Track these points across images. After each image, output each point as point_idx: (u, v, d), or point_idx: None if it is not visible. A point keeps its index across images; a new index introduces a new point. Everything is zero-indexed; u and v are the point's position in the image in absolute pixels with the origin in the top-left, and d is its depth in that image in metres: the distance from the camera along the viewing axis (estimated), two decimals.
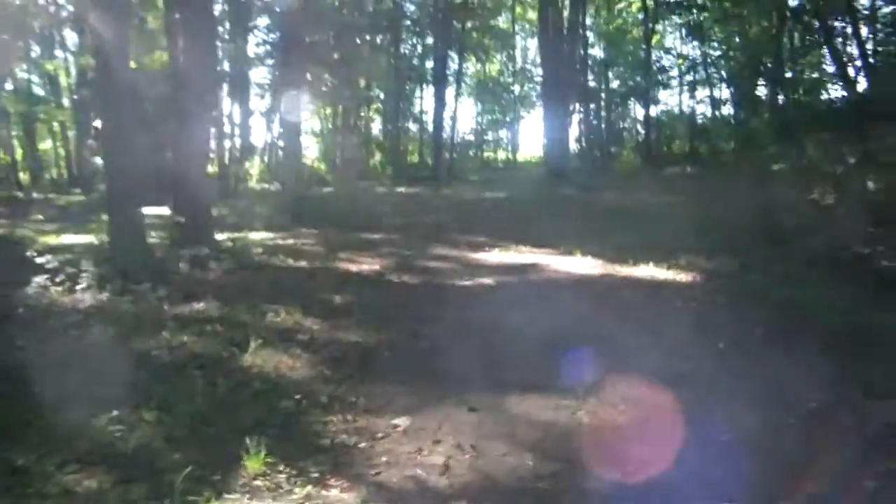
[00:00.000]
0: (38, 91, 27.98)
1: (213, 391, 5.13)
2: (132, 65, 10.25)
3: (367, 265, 10.39)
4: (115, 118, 8.88)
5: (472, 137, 43.71)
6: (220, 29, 27.75)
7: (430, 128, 34.41)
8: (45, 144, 33.74)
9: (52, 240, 13.67)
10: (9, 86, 25.63)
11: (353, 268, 10.19)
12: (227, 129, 32.16)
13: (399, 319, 7.26)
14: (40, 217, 18.60)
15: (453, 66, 34.77)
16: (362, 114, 35.49)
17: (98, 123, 18.07)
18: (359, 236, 13.41)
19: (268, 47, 25.29)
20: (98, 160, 20.18)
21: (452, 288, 9.00)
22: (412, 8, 34.70)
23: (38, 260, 9.18)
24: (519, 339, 6.45)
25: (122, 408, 4.68)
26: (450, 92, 33.65)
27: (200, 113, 10.56)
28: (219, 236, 11.95)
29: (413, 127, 38.74)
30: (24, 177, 33.01)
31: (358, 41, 29.41)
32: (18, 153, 35.26)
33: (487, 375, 5.45)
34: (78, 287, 8.58)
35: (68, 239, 12.91)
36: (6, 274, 9.36)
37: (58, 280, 8.79)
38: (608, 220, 14.57)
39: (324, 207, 18.14)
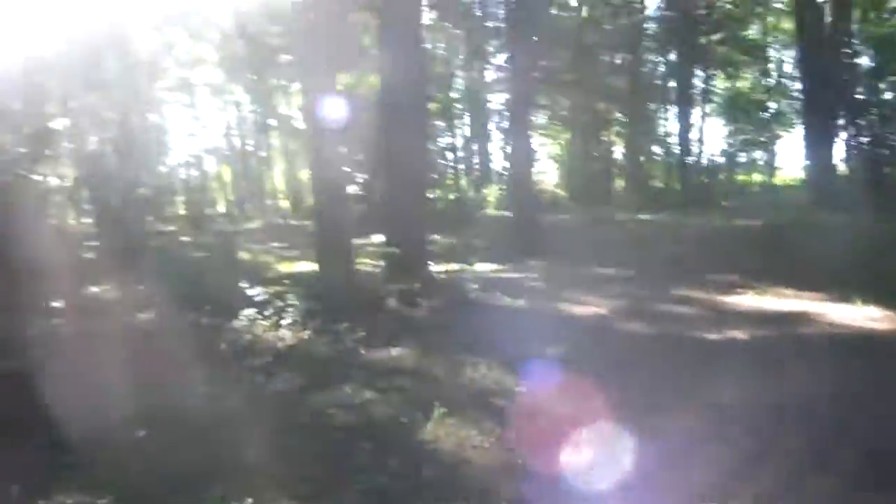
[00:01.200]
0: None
1: (374, 478, 4.06)
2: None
3: (594, 307, 8.95)
4: (323, 146, 8.46)
5: (722, 160, 40.04)
6: (458, 56, 28.20)
7: (676, 150, 31.89)
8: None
9: (286, 267, 13.95)
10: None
11: (577, 310, 8.82)
12: (463, 154, 32.49)
13: (619, 386, 5.74)
14: (286, 244, 19.51)
15: (699, 83, 32.01)
16: (602, 137, 33.91)
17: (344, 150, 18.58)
18: (589, 270, 11.97)
19: (503, 73, 24.85)
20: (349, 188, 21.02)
21: (693, 343, 7.24)
22: (652, 25, 32.55)
23: (249, 292, 8.99)
24: (804, 437, 4.55)
25: (256, 492, 3.79)
26: (696, 111, 30.95)
27: (413, 139, 9.90)
28: (436, 268, 11.22)
29: (657, 150, 36.27)
30: (285, 204, 35.99)
31: (596, 61, 28.01)
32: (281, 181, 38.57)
33: None
34: (283, 322, 8.19)
35: (301, 267, 13.00)
36: (226, 304, 9.32)
37: (266, 314, 8.51)
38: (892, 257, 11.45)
39: (556, 236, 16.92)
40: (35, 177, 19.26)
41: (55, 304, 11.78)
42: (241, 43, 25.62)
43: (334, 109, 8.43)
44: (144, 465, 4.19)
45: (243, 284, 9.27)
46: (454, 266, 11.78)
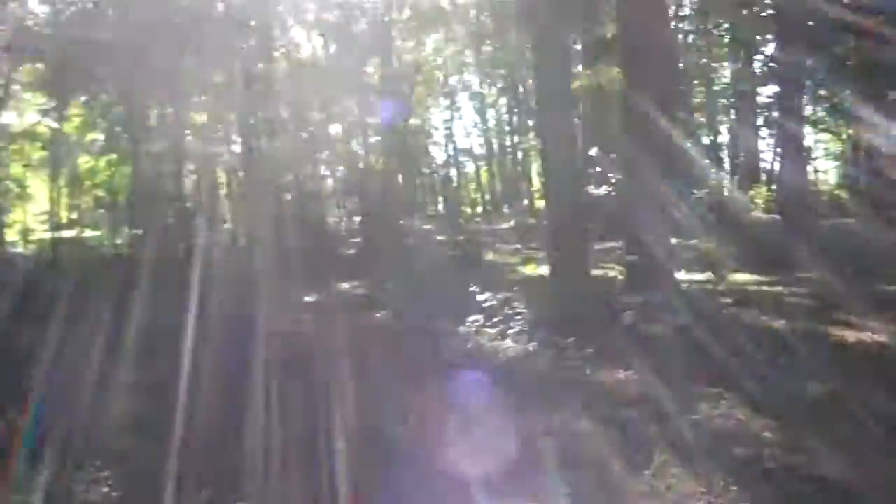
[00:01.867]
0: None
1: None
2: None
3: (874, 334, 7.36)
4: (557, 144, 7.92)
5: None
6: (725, 49, 25.88)
7: None
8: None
9: (530, 270, 13.65)
10: None
11: (851, 336, 7.32)
12: (728, 152, 29.87)
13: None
14: (536, 245, 19.24)
15: None
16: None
17: (594, 152, 17.88)
18: (873, 287, 10.04)
19: (773, 65, 22.29)
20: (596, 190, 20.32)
21: None
22: None
23: (480, 297, 8.76)
24: None
25: None
26: None
27: (659, 136, 8.95)
28: (684, 277, 10.14)
29: None
30: (541, 203, 35.89)
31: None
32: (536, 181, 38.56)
33: None
34: (510, 331, 7.83)
35: (544, 271, 12.62)
36: (462, 306, 9.19)
37: (493, 321, 8.23)
38: None
39: (834, 245, 14.64)
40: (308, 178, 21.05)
41: (308, 298, 12.65)
42: (496, 44, 25.93)
43: (565, 107, 7.86)
44: None
45: (474, 288, 9.07)
46: (706, 276, 10.57)
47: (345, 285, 14.14)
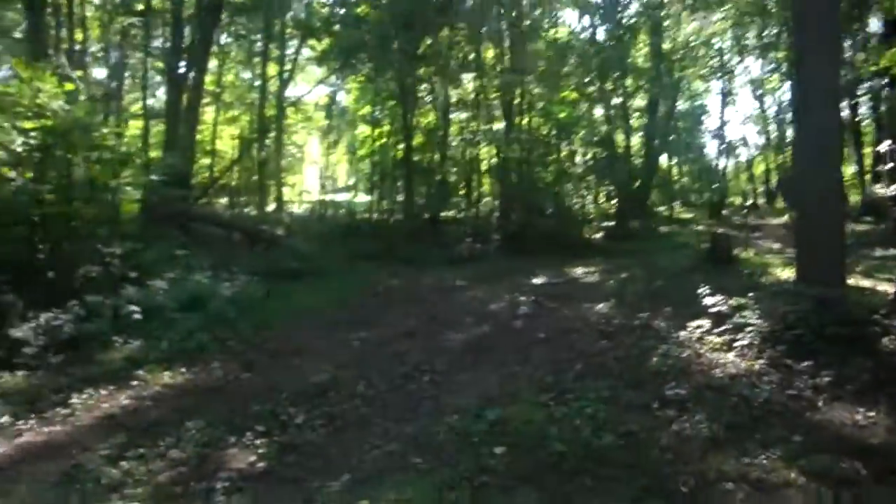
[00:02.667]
0: None
1: None
2: None
3: None
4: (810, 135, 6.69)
5: None
6: None
7: None
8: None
9: (786, 273, 12.10)
10: None
11: None
12: None
13: None
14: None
15: None
16: None
17: (884, 147, 15.41)
18: None
19: None
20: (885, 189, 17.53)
21: None
22: None
23: (707, 300, 7.81)
24: None
25: None
26: None
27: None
28: None
29: None
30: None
31: None
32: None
33: None
34: (736, 343, 6.87)
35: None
36: (691, 306, 8.32)
37: (720, 329, 7.28)
38: None
39: None
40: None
41: (536, 280, 12.33)
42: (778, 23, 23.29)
43: (829, 96, 6.59)
44: None
45: (705, 289, 8.12)
46: None
47: (579, 270, 13.65)
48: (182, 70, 19.74)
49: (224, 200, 26.01)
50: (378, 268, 14.02)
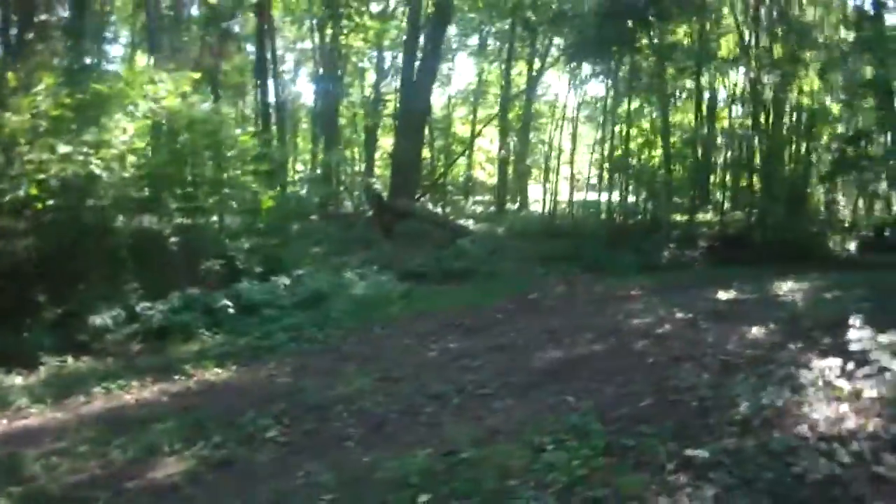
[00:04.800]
0: None
1: None
2: None
3: None
4: None
5: None
6: None
7: None
8: None
9: None
10: None
11: None
12: None
13: None
14: None
15: None
16: None
17: None
18: None
19: None
20: None
21: None
22: None
23: (855, 333, 5.80)
24: None
25: None
26: None
27: None
28: None
29: None
30: None
31: None
32: None
33: None
34: (867, 393, 4.99)
35: None
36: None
37: (861, 371, 5.35)
38: None
39: None
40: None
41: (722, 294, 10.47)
42: None
43: None
44: None
45: (856, 319, 6.07)
46: None
47: (787, 285, 11.24)
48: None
49: (460, 198, 26.60)
50: (557, 272, 13.02)
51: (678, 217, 18.10)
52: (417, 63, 20.73)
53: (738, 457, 4.12)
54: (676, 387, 5.75)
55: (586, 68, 22.04)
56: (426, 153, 24.77)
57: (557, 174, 25.46)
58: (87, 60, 8.39)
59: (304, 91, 27.69)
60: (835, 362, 5.62)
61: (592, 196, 25.91)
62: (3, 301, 7.17)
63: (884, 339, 5.58)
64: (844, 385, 5.22)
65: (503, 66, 27.80)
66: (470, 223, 20.44)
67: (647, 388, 5.82)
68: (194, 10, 21.18)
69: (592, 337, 8.04)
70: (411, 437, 4.96)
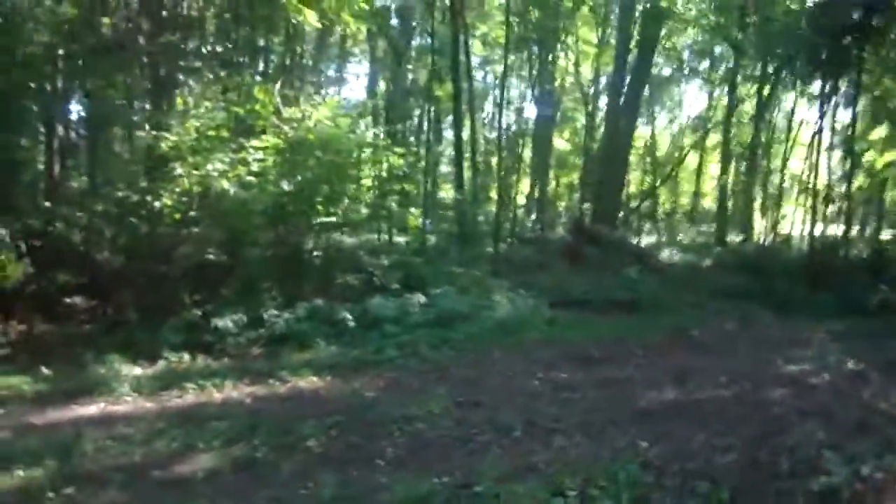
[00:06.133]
0: None
1: None
2: None
3: None
4: None
5: None
6: None
7: None
8: None
9: None
10: None
11: None
12: None
13: None
14: None
15: None
16: None
17: None
18: None
19: None
20: None
21: None
22: None
23: None
24: None
25: None
26: None
27: None
28: None
29: None
30: None
31: None
32: None
33: None
34: None
35: None
36: None
37: None
38: None
39: None
40: None
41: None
42: None
43: None
44: None
45: None
46: None
47: None
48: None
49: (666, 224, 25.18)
50: (731, 310, 11.60)
51: None
52: (625, 90, 20.21)
53: None
54: (780, 444, 4.77)
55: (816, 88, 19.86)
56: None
57: (783, 202, 23.07)
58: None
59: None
60: None
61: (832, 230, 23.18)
62: (152, 299, 7.94)
63: None
64: None
65: (727, 90, 25.91)
66: (674, 252, 19.22)
67: (743, 441, 4.91)
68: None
69: (725, 381, 6.98)
70: (445, 465, 4.59)
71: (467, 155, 15.95)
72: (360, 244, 9.93)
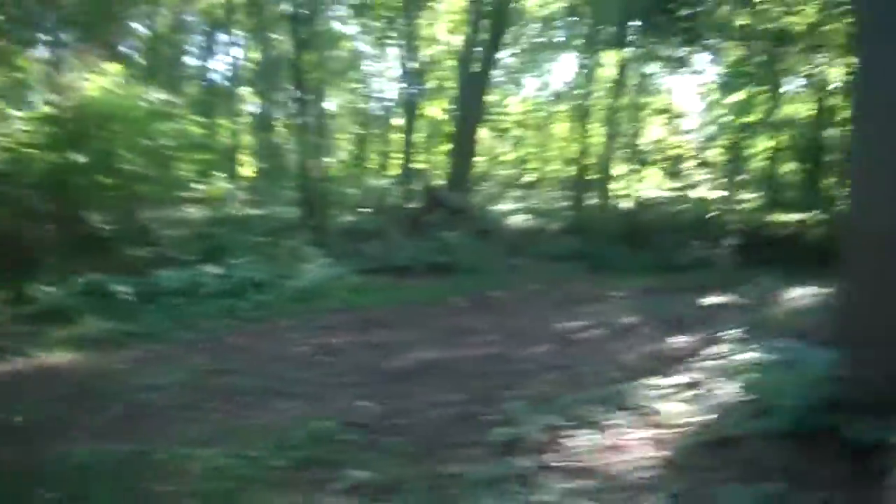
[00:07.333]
0: None
1: None
2: None
3: None
4: None
5: None
6: None
7: None
8: None
9: None
10: None
11: None
12: None
13: None
14: None
15: None
16: None
17: None
18: None
19: None
20: None
21: None
22: None
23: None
24: None
25: None
26: None
27: None
28: None
29: None
30: None
31: None
32: None
33: None
34: (704, 415, 4.08)
35: None
36: None
37: (701, 387, 4.40)
38: None
39: None
40: None
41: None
42: None
43: None
44: None
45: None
46: None
47: (798, 291, 9.45)
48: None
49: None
50: (550, 271, 12.07)
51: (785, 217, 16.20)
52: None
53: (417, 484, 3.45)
54: (499, 398, 4.99)
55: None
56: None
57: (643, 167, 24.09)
58: None
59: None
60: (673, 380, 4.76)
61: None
62: None
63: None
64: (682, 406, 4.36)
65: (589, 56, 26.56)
66: (527, 219, 19.61)
67: (470, 397, 5.12)
68: None
69: (496, 339, 7.26)
70: (147, 433, 4.51)
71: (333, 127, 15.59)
72: (156, 217, 9.59)
